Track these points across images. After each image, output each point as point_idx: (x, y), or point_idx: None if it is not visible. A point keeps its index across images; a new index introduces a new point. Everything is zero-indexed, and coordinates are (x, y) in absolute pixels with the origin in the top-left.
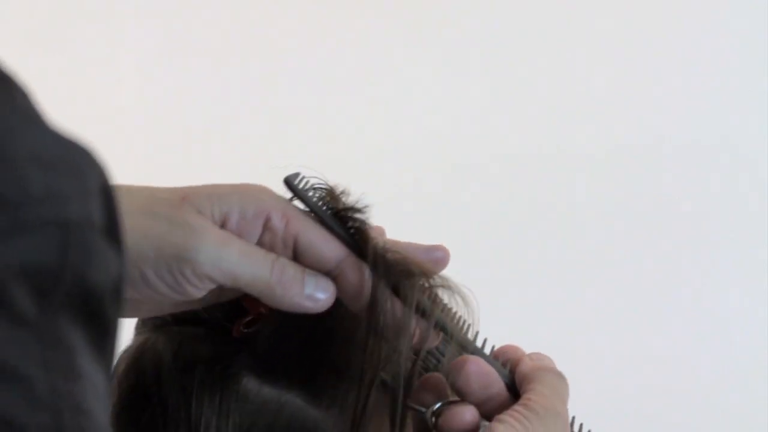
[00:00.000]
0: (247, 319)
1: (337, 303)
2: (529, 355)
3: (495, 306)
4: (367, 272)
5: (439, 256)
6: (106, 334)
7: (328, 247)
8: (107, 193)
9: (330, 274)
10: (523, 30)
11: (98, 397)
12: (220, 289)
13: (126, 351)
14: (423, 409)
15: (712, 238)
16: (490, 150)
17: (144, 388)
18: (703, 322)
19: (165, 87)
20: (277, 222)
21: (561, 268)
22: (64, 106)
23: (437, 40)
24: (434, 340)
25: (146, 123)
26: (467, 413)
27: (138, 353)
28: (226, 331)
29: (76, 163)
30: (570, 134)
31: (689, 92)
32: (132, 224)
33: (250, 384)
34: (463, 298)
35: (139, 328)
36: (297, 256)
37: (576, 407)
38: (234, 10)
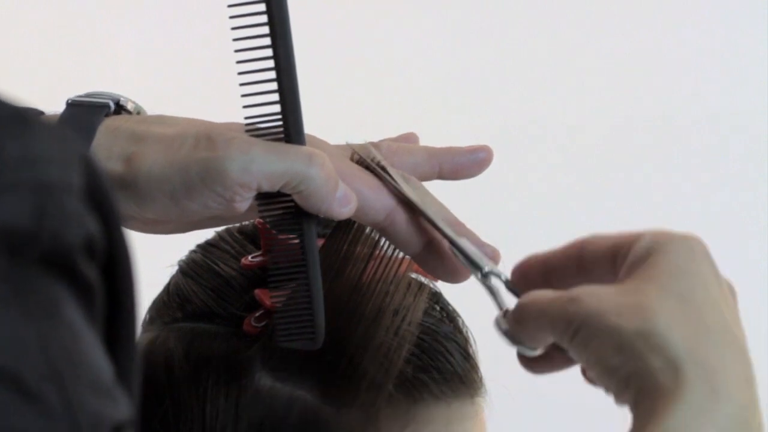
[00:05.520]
0: (259, 313)
1: (353, 296)
2: None
3: None
4: (414, 220)
5: (482, 157)
6: (89, 293)
7: (377, 196)
8: (88, 159)
9: (380, 223)
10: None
11: (91, 345)
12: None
13: None
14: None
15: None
16: (491, 127)
17: (155, 387)
18: None
19: (164, 78)
20: None
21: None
22: (60, 98)
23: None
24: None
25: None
26: None
27: (147, 351)
28: (238, 327)
29: (56, 131)
30: (573, 110)
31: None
32: (156, 156)
33: (263, 380)
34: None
35: (146, 326)
36: None
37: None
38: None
